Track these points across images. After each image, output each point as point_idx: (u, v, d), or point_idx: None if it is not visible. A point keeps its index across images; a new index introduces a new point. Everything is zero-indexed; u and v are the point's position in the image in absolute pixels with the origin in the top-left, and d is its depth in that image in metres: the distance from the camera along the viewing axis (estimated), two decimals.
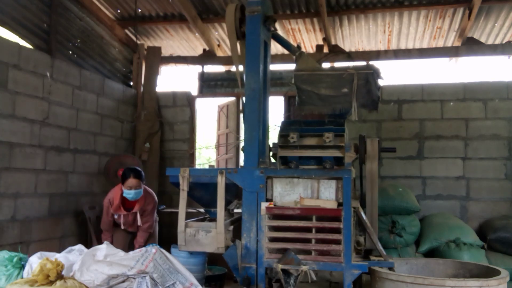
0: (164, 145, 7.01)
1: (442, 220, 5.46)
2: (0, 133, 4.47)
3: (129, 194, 4.50)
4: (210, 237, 3.59)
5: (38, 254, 3.39)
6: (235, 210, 4.08)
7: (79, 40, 5.90)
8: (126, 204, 4.65)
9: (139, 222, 4.64)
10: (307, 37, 6.84)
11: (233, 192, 3.77)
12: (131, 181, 4.47)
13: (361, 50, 6.96)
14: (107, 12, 6.51)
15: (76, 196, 5.50)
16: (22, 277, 3.26)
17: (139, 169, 4.73)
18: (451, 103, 6.15)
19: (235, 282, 3.89)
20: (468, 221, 5.81)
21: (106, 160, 5.94)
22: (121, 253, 3.28)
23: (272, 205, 3.50)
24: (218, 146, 7.28)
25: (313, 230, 3.44)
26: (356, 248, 3.60)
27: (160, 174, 6.72)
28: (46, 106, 5.05)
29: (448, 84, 6.21)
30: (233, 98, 7.04)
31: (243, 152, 3.70)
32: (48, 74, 5.06)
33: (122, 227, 4.74)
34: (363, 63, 6.35)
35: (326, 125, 3.77)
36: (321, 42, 6.73)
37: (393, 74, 15.22)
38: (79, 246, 3.56)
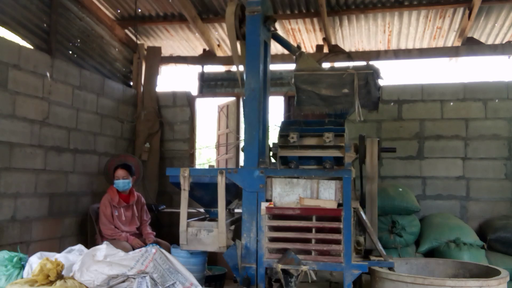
0: (164, 145, 7.01)
1: (442, 220, 5.45)
2: (0, 133, 4.47)
3: (118, 183, 5.05)
4: (212, 236, 3.60)
5: (38, 254, 3.40)
6: (235, 210, 4.08)
7: (79, 40, 5.90)
8: (122, 199, 5.12)
9: (136, 214, 5.22)
10: (307, 37, 6.83)
11: (233, 192, 3.77)
12: (119, 171, 5.09)
13: (361, 50, 6.96)
14: (107, 12, 6.51)
15: (76, 196, 5.50)
16: (22, 277, 3.27)
17: (129, 164, 5.29)
18: (451, 103, 6.14)
19: (235, 282, 3.89)
20: (468, 221, 5.80)
21: (106, 160, 5.94)
22: (121, 253, 3.29)
23: (272, 205, 3.50)
24: (218, 146, 7.28)
25: (313, 230, 3.44)
26: (356, 248, 3.60)
27: (160, 174, 6.72)
28: (46, 106, 5.05)
29: (448, 84, 6.21)
30: (233, 98, 7.04)
31: (243, 152, 3.70)
32: (48, 74, 5.05)
33: (122, 227, 5.01)
34: (363, 63, 6.34)
35: (326, 125, 3.77)
36: (321, 42, 6.73)
37: (393, 74, 15.13)
38: (79, 246, 3.57)
